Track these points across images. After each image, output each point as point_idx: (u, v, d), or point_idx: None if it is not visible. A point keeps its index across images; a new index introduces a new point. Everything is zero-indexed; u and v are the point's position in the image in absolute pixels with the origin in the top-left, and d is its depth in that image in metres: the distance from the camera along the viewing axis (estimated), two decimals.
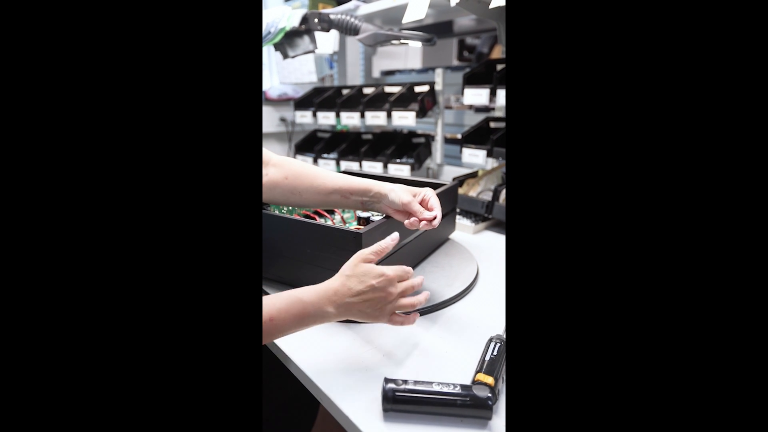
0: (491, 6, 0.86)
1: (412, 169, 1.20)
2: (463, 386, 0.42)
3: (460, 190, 1.06)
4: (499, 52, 1.26)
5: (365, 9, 1.23)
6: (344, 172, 0.95)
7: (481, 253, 0.83)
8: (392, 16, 1.25)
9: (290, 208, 0.82)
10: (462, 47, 2.75)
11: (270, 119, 1.63)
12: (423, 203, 0.63)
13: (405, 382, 0.42)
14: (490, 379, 0.43)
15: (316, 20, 1.04)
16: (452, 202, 0.87)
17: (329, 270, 0.60)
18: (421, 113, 1.18)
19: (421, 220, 0.60)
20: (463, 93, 1.08)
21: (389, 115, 1.21)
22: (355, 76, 1.68)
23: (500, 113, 1.25)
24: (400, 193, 0.62)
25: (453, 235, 0.92)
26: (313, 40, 1.08)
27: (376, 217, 0.75)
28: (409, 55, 2.55)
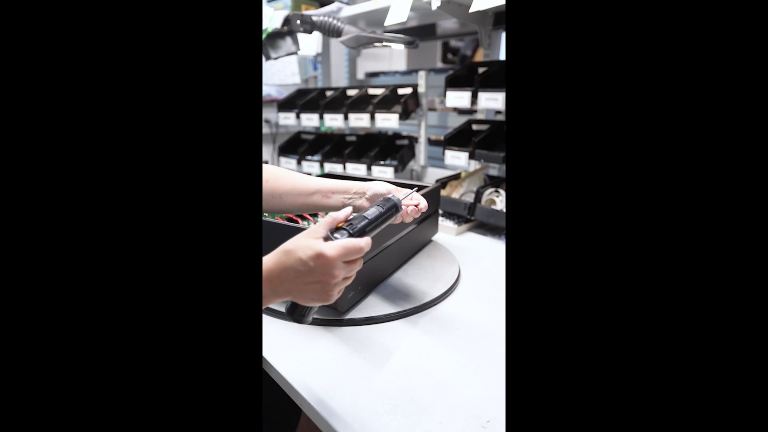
0: (471, 10, 0.87)
1: (396, 171, 1.20)
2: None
3: (443, 192, 1.07)
4: (482, 54, 1.28)
5: (348, 11, 1.23)
6: (327, 175, 0.95)
7: (464, 255, 0.84)
8: (375, 19, 1.25)
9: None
10: (446, 50, 2.77)
11: None
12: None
13: None
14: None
15: (298, 22, 1.03)
16: (435, 203, 0.87)
17: None
18: (405, 115, 1.19)
19: (407, 206, 0.60)
20: (445, 95, 1.09)
21: (373, 117, 1.21)
22: (339, 78, 1.68)
23: (482, 116, 1.27)
24: (383, 183, 0.62)
25: (435, 237, 0.93)
26: (295, 41, 1.08)
27: None
28: (393, 57, 2.56)
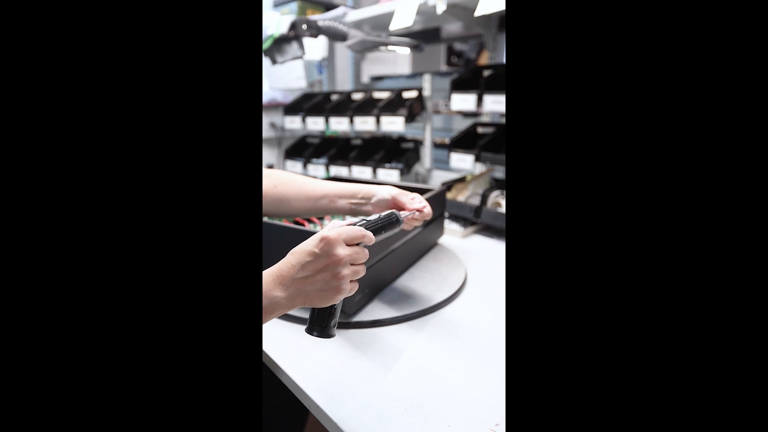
0: (476, 14, 0.88)
1: (401, 173, 1.21)
2: None
3: (449, 195, 1.07)
4: (486, 57, 1.28)
5: (353, 16, 1.24)
6: (333, 178, 0.95)
7: (470, 258, 0.84)
8: (380, 23, 1.26)
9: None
10: (450, 53, 2.78)
11: None
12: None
13: None
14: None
15: (304, 26, 1.04)
16: (440, 206, 0.87)
17: None
18: (410, 118, 1.19)
19: (410, 210, 0.60)
20: (450, 98, 1.10)
21: (378, 121, 1.21)
22: (344, 82, 1.69)
23: (487, 118, 1.27)
24: (388, 188, 0.63)
25: (441, 240, 0.93)
26: (301, 46, 1.09)
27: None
28: (398, 60, 2.57)
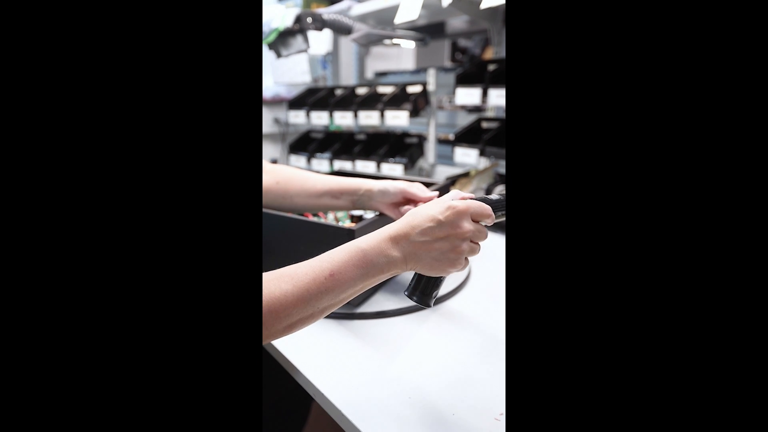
0: (482, 6, 0.87)
1: (405, 168, 1.21)
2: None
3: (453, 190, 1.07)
4: (491, 53, 1.28)
5: (358, 9, 1.24)
6: (337, 172, 0.96)
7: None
8: (385, 17, 1.26)
9: None
10: (454, 49, 2.77)
11: (264, 120, 1.62)
12: (415, 193, 0.63)
13: None
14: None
15: (309, 20, 1.04)
16: None
17: None
18: (414, 113, 1.19)
19: (418, 202, 0.60)
20: (455, 93, 1.09)
21: (382, 115, 1.21)
22: (348, 77, 1.68)
23: (492, 113, 1.26)
24: (394, 182, 0.62)
25: None
26: (306, 39, 1.09)
27: (369, 215, 0.75)
28: (402, 56, 2.56)
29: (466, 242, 0.40)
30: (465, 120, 1.49)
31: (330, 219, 0.80)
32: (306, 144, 1.51)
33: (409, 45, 1.13)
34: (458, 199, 0.42)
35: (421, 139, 1.31)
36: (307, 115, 1.39)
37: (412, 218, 0.40)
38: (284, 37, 1.08)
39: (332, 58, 1.66)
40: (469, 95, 1.06)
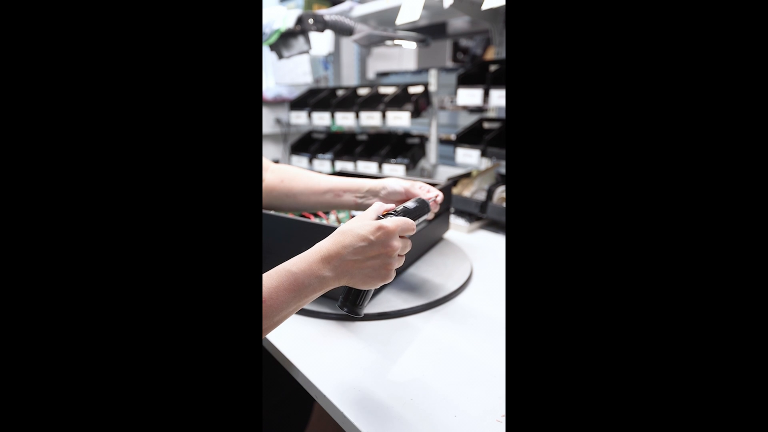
0: (483, 7, 0.87)
1: (407, 169, 1.21)
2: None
3: (455, 190, 1.07)
4: (492, 53, 1.28)
5: (360, 10, 1.24)
6: (339, 173, 0.96)
7: (475, 252, 0.84)
8: (387, 18, 1.26)
9: None
10: (456, 49, 2.77)
11: (265, 120, 1.63)
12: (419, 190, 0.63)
13: None
14: None
15: (310, 21, 1.04)
16: (446, 201, 0.87)
17: None
18: (416, 114, 1.19)
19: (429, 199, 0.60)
20: (456, 93, 1.09)
21: (384, 116, 1.21)
22: (350, 78, 1.69)
23: (494, 114, 1.26)
24: (398, 180, 0.62)
25: (447, 235, 0.93)
26: (307, 40, 1.09)
27: None
28: (403, 56, 2.56)
29: (395, 258, 0.43)
30: (466, 120, 1.49)
31: (332, 219, 0.80)
32: (308, 145, 1.51)
33: (411, 46, 1.13)
34: (381, 213, 0.45)
35: (423, 139, 1.31)
36: (309, 115, 1.39)
37: (343, 237, 0.41)
38: (286, 38, 1.08)
39: (334, 58, 1.66)
40: (470, 96, 1.06)
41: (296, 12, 1.06)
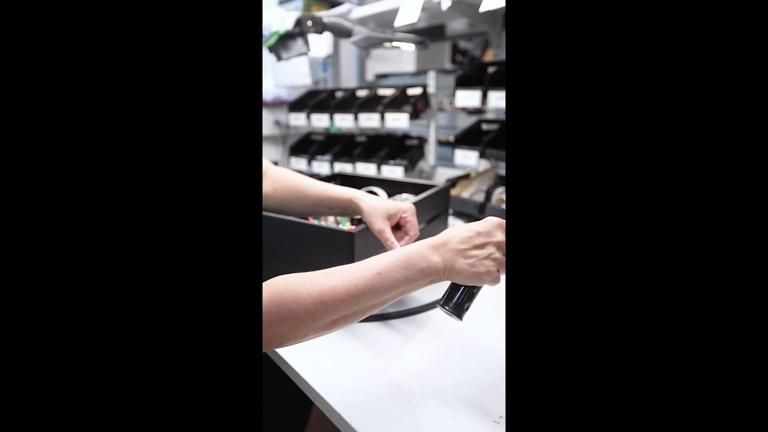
0: (481, 9, 0.87)
1: (406, 170, 1.21)
2: None
3: (453, 192, 1.07)
4: (491, 55, 1.28)
5: (358, 12, 1.24)
6: (337, 174, 0.96)
7: None
8: (385, 20, 1.26)
9: None
10: (455, 51, 2.78)
11: (264, 122, 1.63)
12: (401, 222, 0.62)
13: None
14: None
15: (309, 23, 1.05)
16: (444, 203, 0.88)
17: None
18: (414, 115, 1.19)
19: (404, 226, 0.62)
20: (455, 95, 1.10)
21: (382, 117, 1.21)
22: (349, 80, 1.69)
23: (492, 115, 1.27)
24: (373, 219, 0.60)
25: None
26: (306, 42, 1.09)
27: None
28: (402, 58, 2.57)
29: (501, 251, 0.42)
30: (465, 122, 1.49)
31: (330, 221, 0.80)
32: (307, 146, 1.51)
33: (409, 48, 1.13)
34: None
35: (422, 141, 1.31)
36: (308, 117, 1.39)
37: (453, 230, 0.43)
38: (284, 40, 1.08)
39: (333, 60, 1.67)
40: (468, 97, 1.06)
41: (295, 14, 1.06)
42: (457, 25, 1.56)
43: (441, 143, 1.40)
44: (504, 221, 0.43)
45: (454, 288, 0.44)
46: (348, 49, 1.66)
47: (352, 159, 1.29)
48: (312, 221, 0.75)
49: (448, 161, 1.28)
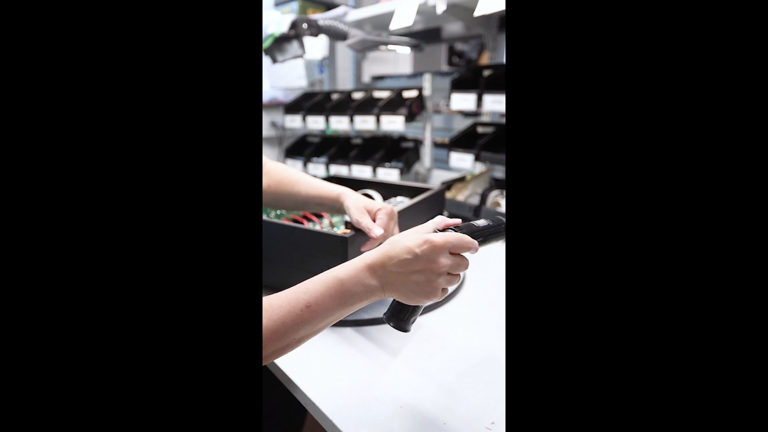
0: (476, 14, 0.88)
1: (401, 173, 1.21)
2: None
3: (448, 194, 1.07)
4: (487, 57, 1.28)
5: (354, 15, 1.24)
6: (333, 177, 0.96)
7: (468, 257, 0.84)
8: (381, 22, 1.26)
9: (280, 211, 0.82)
10: (451, 53, 2.78)
11: None
12: (375, 218, 0.62)
13: None
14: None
15: (305, 26, 1.05)
16: (440, 206, 0.88)
17: (315, 274, 0.61)
18: (410, 118, 1.20)
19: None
20: (450, 98, 1.10)
21: (378, 120, 1.21)
22: (345, 82, 1.69)
23: (487, 118, 1.27)
24: (353, 212, 0.62)
25: None
26: (301, 45, 1.09)
27: None
28: (399, 60, 2.57)
29: (443, 276, 0.40)
30: (461, 124, 1.49)
31: (325, 224, 0.80)
32: (302, 148, 1.51)
33: (405, 51, 1.13)
34: (441, 227, 0.42)
35: (417, 143, 1.31)
36: (304, 119, 1.39)
37: (390, 247, 0.40)
38: (280, 42, 1.08)
39: (329, 62, 1.67)
40: (464, 101, 1.06)
41: (290, 17, 1.06)
42: (454, 28, 1.57)
43: (436, 146, 1.40)
44: (446, 241, 0.39)
45: (397, 304, 0.42)
46: (344, 51, 1.66)
47: (348, 161, 1.29)
48: (306, 225, 0.75)
49: (443, 164, 1.28)
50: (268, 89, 1.65)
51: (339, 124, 1.30)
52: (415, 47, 1.06)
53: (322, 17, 1.10)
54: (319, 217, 0.82)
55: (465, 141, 1.15)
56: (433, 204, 0.83)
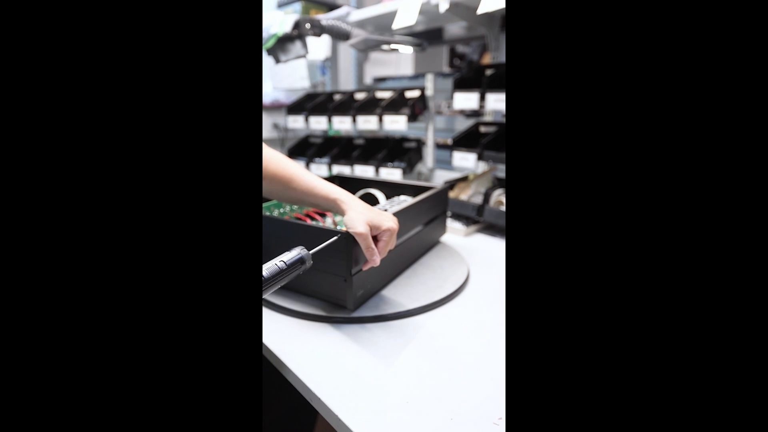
0: (479, 12, 0.88)
1: (404, 173, 1.21)
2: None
3: (451, 194, 1.07)
4: (488, 59, 1.29)
5: (357, 15, 1.25)
6: (335, 177, 0.96)
7: (472, 256, 0.84)
8: (384, 23, 1.27)
9: (285, 209, 0.82)
10: (453, 55, 2.79)
11: (263, 125, 1.63)
12: (378, 238, 0.59)
13: None
14: None
15: (307, 26, 1.05)
16: (443, 205, 0.87)
17: (321, 271, 0.60)
18: (412, 118, 1.20)
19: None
20: (453, 98, 1.10)
21: (381, 120, 1.21)
22: (347, 83, 1.69)
23: (490, 118, 1.27)
24: (356, 223, 0.57)
25: (444, 238, 0.93)
26: (304, 45, 1.09)
27: None
28: (400, 62, 2.58)
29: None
30: (463, 124, 1.49)
31: (328, 222, 0.79)
32: (305, 149, 1.51)
33: (407, 50, 1.14)
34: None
35: (420, 143, 1.31)
36: (306, 120, 1.39)
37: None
38: (283, 42, 1.09)
39: (331, 63, 1.67)
40: (466, 100, 1.06)
41: (293, 17, 1.07)
42: (455, 29, 1.57)
43: (439, 146, 1.40)
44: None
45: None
46: (346, 52, 1.67)
47: (351, 161, 1.29)
48: (308, 222, 0.75)
49: (446, 164, 1.28)
50: (270, 90, 1.66)
51: (341, 124, 1.30)
52: (417, 46, 1.07)
53: (324, 17, 1.10)
54: (322, 215, 0.82)
55: (467, 140, 1.15)
56: (436, 203, 0.83)
